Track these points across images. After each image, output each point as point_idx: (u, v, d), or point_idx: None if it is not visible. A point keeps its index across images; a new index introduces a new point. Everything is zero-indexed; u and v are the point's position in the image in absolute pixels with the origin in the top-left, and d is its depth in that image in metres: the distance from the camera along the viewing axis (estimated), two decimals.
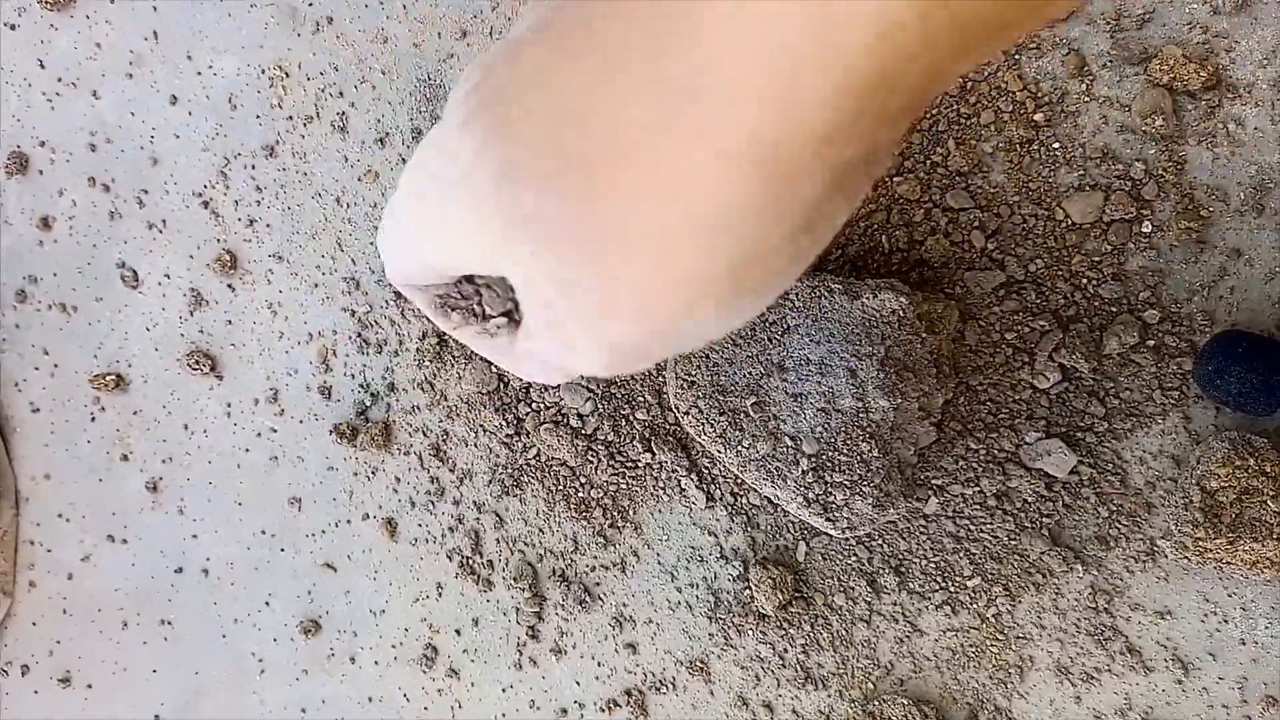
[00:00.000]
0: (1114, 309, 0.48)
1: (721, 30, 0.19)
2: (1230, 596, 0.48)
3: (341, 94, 0.56)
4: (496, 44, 0.25)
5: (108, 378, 0.60)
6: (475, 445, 0.56)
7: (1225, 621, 0.48)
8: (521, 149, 0.22)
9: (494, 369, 0.54)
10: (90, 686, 0.62)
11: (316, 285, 0.57)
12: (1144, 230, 0.47)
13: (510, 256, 0.24)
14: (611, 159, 0.21)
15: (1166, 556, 0.48)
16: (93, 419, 0.61)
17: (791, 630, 0.52)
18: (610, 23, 0.21)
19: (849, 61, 0.18)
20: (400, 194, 0.27)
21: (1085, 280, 0.48)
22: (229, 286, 0.58)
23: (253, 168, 0.57)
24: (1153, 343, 0.48)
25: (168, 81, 0.58)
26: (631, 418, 0.53)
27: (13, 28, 0.58)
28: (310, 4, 0.56)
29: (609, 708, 0.55)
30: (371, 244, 0.56)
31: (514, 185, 0.22)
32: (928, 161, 0.49)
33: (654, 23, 0.20)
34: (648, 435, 0.53)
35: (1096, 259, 0.48)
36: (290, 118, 0.57)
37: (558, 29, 0.22)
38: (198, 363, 0.59)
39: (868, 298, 0.46)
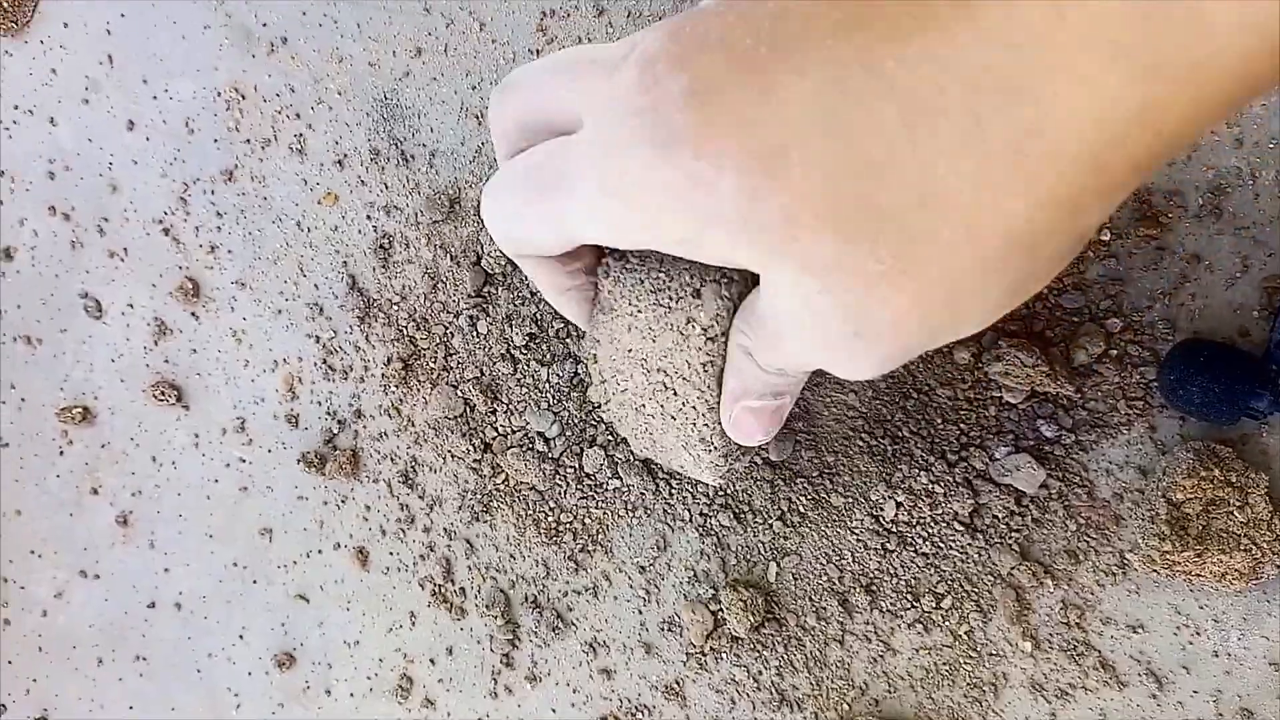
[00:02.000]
0: (1076, 319, 0.53)
1: (1057, 97, 0.23)
2: (1202, 608, 0.52)
3: (298, 115, 0.61)
4: (695, 34, 0.28)
5: (75, 410, 0.66)
6: (444, 471, 0.61)
7: (1198, 634, 0.53)
8: (811, 199, 0.26)
9: (459, 393, 0.60)
10: None
11: (280, 311, 0.63)
12: (1103, 238, 0.52)
13: (783, 281, 0.28)
14: (924, 211, 0.25)
15: (1135, 570, 0.53)
16: (61, 453, 0.67)
17: (765, 652, 0.57)
18: (912, 72, 0.25)
19: (1163, 129, 0.24)
20: (607, 183, 0.30)
21: (1045, 290, 0.53)
22: (192, 315, 0.64)
23: (212, 193, 0.63)
24: (1115, 352, 0.52)
25: (124, 107, 0.64)
26: (597, 441, 0.58)
27: None
28: (264, 25, 0.61)
29: None
30: (334, 270, 0.62)
31: (807, 234, 0.26)
32: None
33: (974, 78, 0.24)
34: (614, 459, 0.58)
35: None
36: (248, 141, 0.62)
37: (833, 67, 0.25)
38: (164, 393, 0.64)
39: None
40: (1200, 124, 0.24)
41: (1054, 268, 0.28)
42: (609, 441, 0.58)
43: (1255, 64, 0.22)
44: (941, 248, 0.26)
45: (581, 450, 0.58)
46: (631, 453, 0.58)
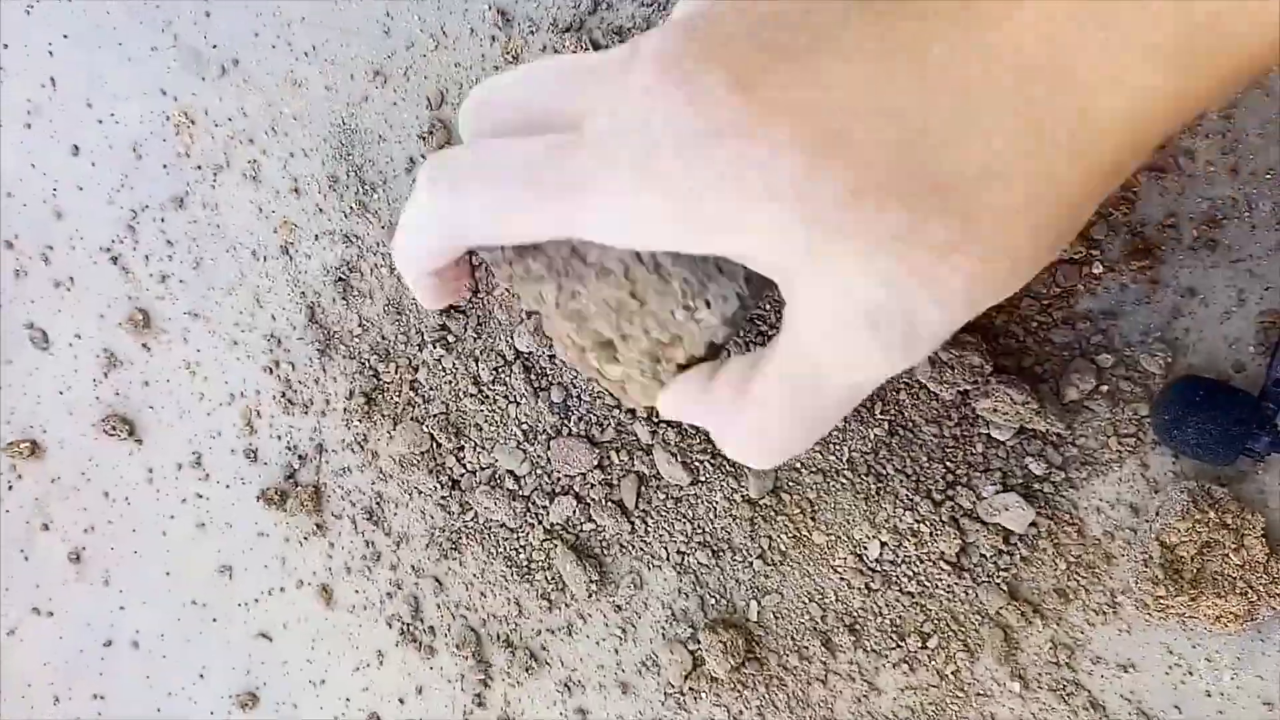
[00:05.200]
0: (1066, 354, 0.48)
1: (1100, 88, 0.24)
2: (1194, 648, 0.48)
3: (252, 141, 0.55)
4: (716, 32, 0.26)
5: (23, 445, 0.59)
6: (410, 508, 0.55)
7: (1190, 673, 0.48)
8: (876, 173, 0.25)
9: (425, 428, 0.54)
10: None
11: (235, 343, 0.56)
12: (1094, 271, 0.47)
13: (834, 267, 0.26)
14: (986, 182, 0.25)
15: (1127, 610, 0.48)
16: (10, 488, 0.60)
17: (746, 692, 0.52)
18: (959, 59, 0.24)
19: (1188, 108, 0.25)
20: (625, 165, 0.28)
21: (1035, 324, 0.48)
22: (144, 346, 0.57)
23: (162, 220, 0.56)
24: (1107, 388, 0.47)
25: (68, 131, 0.56)
26: (566, 477, 0.52)
27: None
28: (215, 47, 0.54)
29: None
30: (292, 300, 0.55)
31: (872, 206, 0.25)
32: None
33: (1020, 65, 0.24)
34: (586, 498, 0.52)
35: (1045, 302, 0.48)
36: (199, 167, 0.55)
37: (879, 55, 0.25)
38: (115, 427, 0.58)
39: None
40: (1217, 100, 0.25)
41: (1084, 221, 0.28)
42: (576, 480, 0.52)
43: (1260, 52, 0.23)
44: (1004, 215, 0.26)
45: (552, 488, 0.52)
46: (607, 492, 0.52)
